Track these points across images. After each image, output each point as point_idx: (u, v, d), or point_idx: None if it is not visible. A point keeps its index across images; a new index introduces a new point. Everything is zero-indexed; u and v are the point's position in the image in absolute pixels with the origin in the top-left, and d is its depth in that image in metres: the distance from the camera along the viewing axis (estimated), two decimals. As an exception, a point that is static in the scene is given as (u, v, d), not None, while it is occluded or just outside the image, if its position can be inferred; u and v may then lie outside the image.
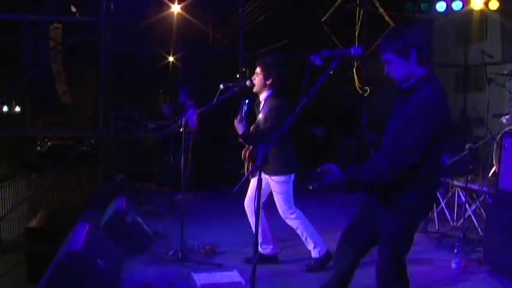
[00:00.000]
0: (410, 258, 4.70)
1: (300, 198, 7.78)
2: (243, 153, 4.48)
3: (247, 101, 4.19)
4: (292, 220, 4.41)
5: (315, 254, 4.44)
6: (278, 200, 4.36)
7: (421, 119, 2.65)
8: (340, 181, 2.70)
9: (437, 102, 2.70)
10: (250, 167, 4.36)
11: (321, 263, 4.40)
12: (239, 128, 4.15)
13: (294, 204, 4.42)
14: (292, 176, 4.37)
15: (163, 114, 8.52)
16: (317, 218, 6.64)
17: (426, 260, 4.63)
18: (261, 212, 4.33)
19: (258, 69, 4.37)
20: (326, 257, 4.42)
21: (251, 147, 4.38)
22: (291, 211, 4.38)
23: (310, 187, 2.74)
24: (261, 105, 4.41)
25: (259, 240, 4.37)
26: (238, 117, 4.17)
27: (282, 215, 4.42)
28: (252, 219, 4.44)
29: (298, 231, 4.46)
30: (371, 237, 2.95)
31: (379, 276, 2.90)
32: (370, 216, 2.98)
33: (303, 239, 4.48)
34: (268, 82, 4.35)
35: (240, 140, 4.36)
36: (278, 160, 4.20)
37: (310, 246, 4.46)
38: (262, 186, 4.32)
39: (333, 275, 3.15)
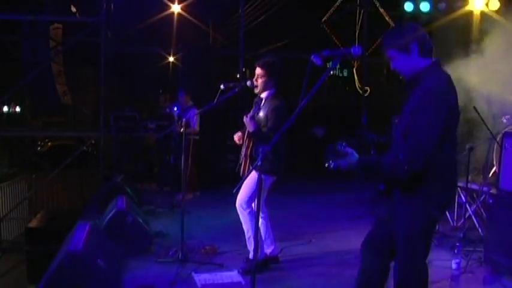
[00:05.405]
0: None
1: (300, 198, 7.83)
2: (243, 150, 4.40)
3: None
4: (244, 214, 4.36)
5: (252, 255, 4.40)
6: (247, 188, 4.31)
7: (427, 109, 2.61)
8: (356, 165, 2.65)
9: (441, 92, 2.66)
10: (248, 167, 4.32)
11: (256, 266, 4.30)
12: (250, 124, 4.15)
13: (265, 205, 4.39)
14: (274, 178, 4.34)
15: (170, 114, 8.44)
16: (317, 218, 6.69)
17: (426, 260, 4.62)
18: (260, 213, 4.30)
19: (260, 71, 4.34)
20: (262, 261, 4.40)
21: (252, 146, 4.35)
22: (246, 205, 4.34)
23: (326, 165, 2.64)
24: (262, 103, 4.40)
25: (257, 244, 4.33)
26: (250, 115, 4.19)
27: (238, 202, 4.37)
28: (242, 219, 4.40)
29: (244, 227, 4.43)
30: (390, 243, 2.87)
31: (398, 278, 2.81)
32: (385, 226, 2.94)
33: (247, 237, 4.46)
34: (272, 82, 4.35)
35: (236, 140, 4.37)
36: (268, 159, 4.16)
37: (250, 247, 4.43)
38: (248, 180, 4.30)
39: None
